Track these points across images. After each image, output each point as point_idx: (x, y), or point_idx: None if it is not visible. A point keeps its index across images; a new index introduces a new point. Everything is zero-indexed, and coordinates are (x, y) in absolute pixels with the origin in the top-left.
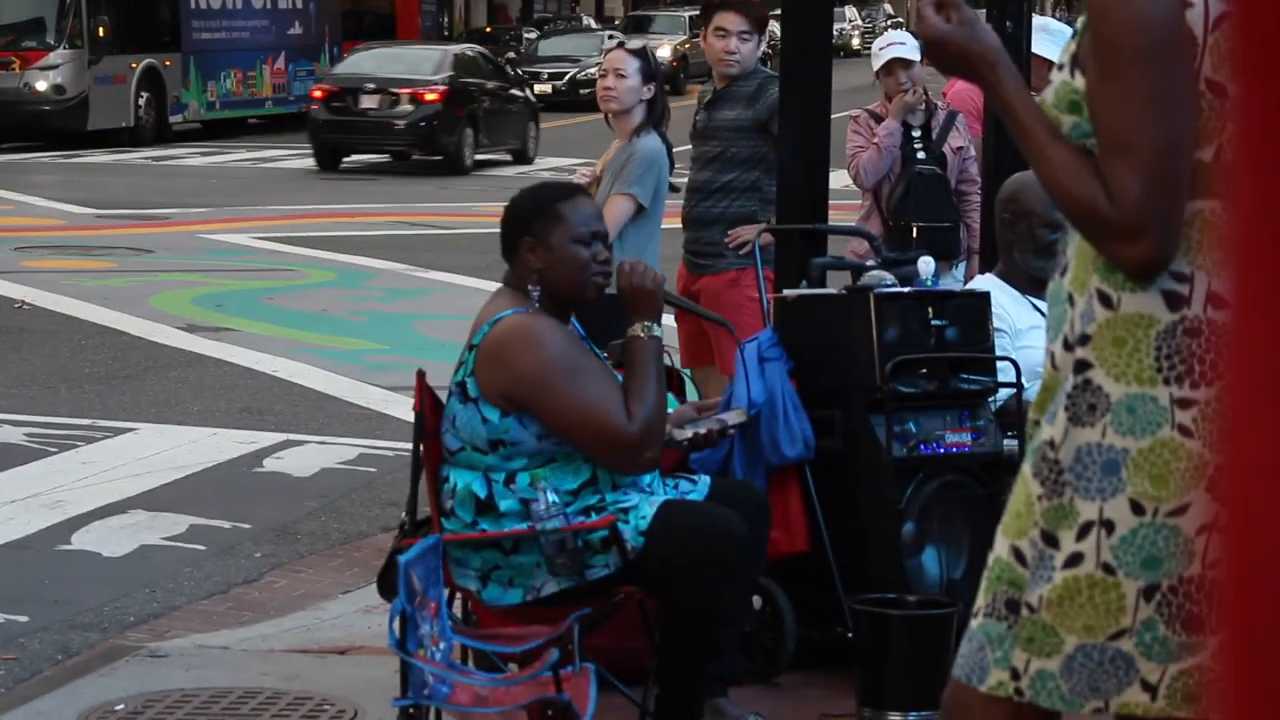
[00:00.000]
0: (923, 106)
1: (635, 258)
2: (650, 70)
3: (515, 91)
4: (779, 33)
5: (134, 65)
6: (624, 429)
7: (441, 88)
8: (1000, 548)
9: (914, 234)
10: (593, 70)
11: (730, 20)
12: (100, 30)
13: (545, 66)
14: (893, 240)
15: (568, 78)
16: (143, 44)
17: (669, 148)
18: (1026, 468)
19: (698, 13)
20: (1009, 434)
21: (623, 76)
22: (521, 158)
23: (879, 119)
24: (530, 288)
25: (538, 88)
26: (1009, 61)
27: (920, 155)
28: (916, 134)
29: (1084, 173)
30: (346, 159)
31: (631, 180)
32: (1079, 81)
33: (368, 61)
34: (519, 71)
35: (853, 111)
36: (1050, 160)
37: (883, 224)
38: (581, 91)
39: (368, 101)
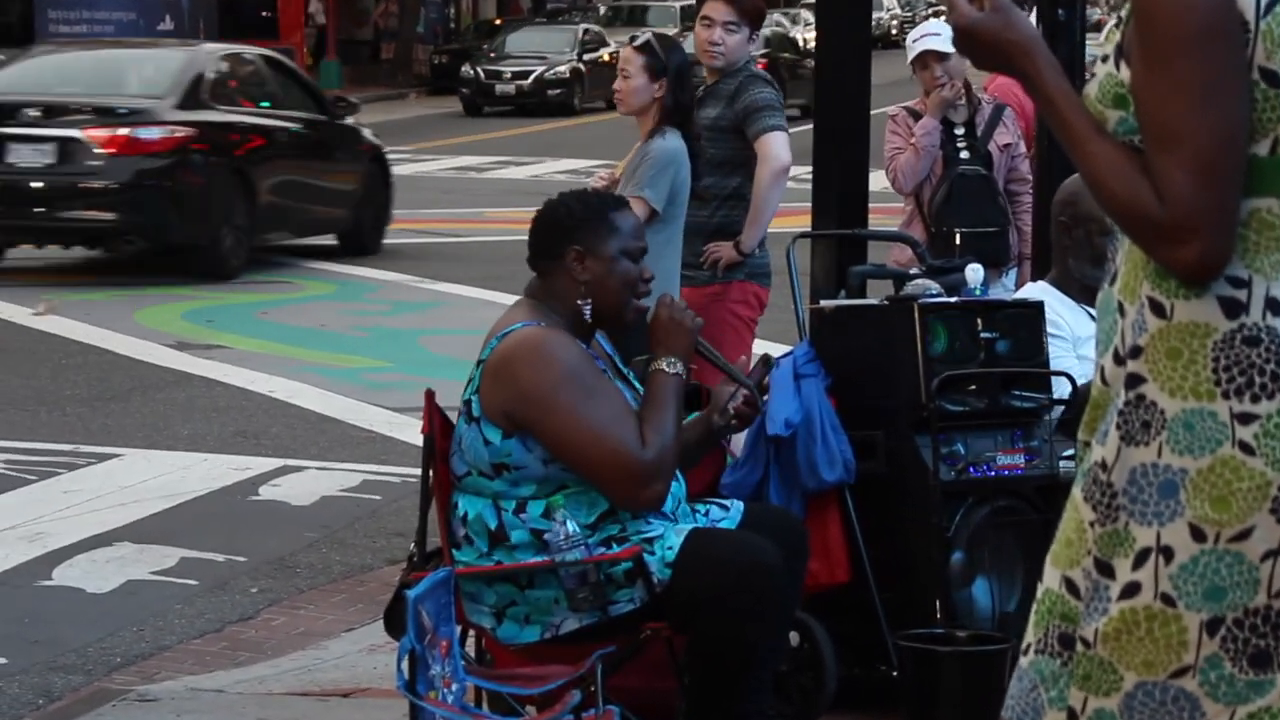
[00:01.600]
0: (963, 101)
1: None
2: (660, 66)
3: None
4: (802, 35)
5: None
6: (636, 455)
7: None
8: (1050, 579)
9: (957, 240)
10: (563, 69)
11: (717, 9)
12: None
13: (512, 65)
14: (936, 247)
15: (533, 78)
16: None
17: (694, 148)
18: (1077, 491)
19: (692, 2)
20: (1065, 455)
21: (628, 77)
22: (356, 244)
23: (918, 117)
24: (580, 303)
25: (499, 89)
26: (1047, 51)
27: (964, 155)
28: (959, 131)
29: (1130, 170)
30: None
31: (644, 182)
32: (1124, 73)
33: (34, 72)
34: (479, 71)
35: (890, 109)
36: (1093, 157)
37: (925, 230)
38: (550, 93)
39: (16, 154)
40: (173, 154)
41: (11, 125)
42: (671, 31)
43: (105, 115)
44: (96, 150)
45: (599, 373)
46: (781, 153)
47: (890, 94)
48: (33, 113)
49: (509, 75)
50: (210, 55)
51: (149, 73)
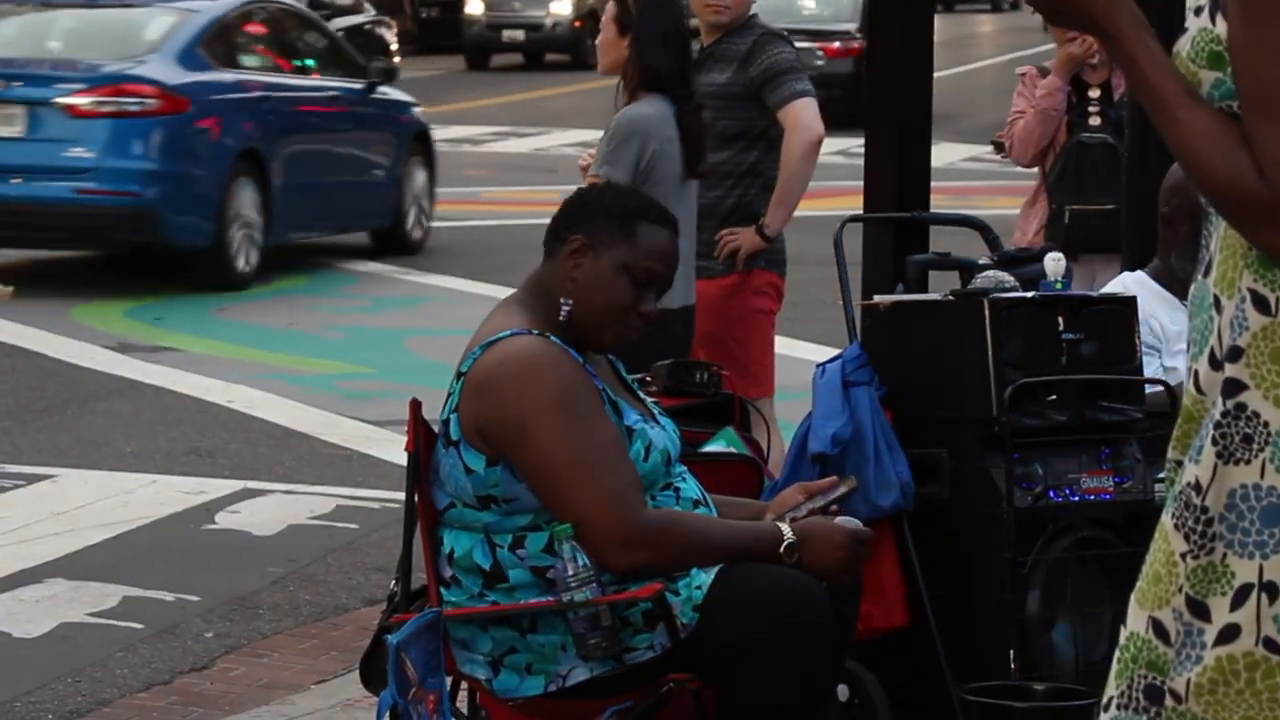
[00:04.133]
0: (1096, 60)
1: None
2: (627, 18)
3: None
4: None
5: None
6: (610, 514)
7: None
8: (1136, 621)
9: (1066, 219)
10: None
11: None
12: None
13: (520, 14)
14: (1052, 229)
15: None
16: None
17: (690, 119)
18: (1167, 518)
19: None
20: (1161, 476)
21: (600, 29)
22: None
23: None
24: (562, 301)
25: (506, 34)
26: (1132, 4)
27: (1093, 121)
28: (1094, 94)
29: (1227, 141)
30: None
31: (601, 158)
32: (1220, 28)
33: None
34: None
35: (1020, 68)
36: (1183, 125)
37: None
38: (548, 57)
39: None
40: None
41: None
42: None
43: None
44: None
45: (595, 400)
46: (813, 122)
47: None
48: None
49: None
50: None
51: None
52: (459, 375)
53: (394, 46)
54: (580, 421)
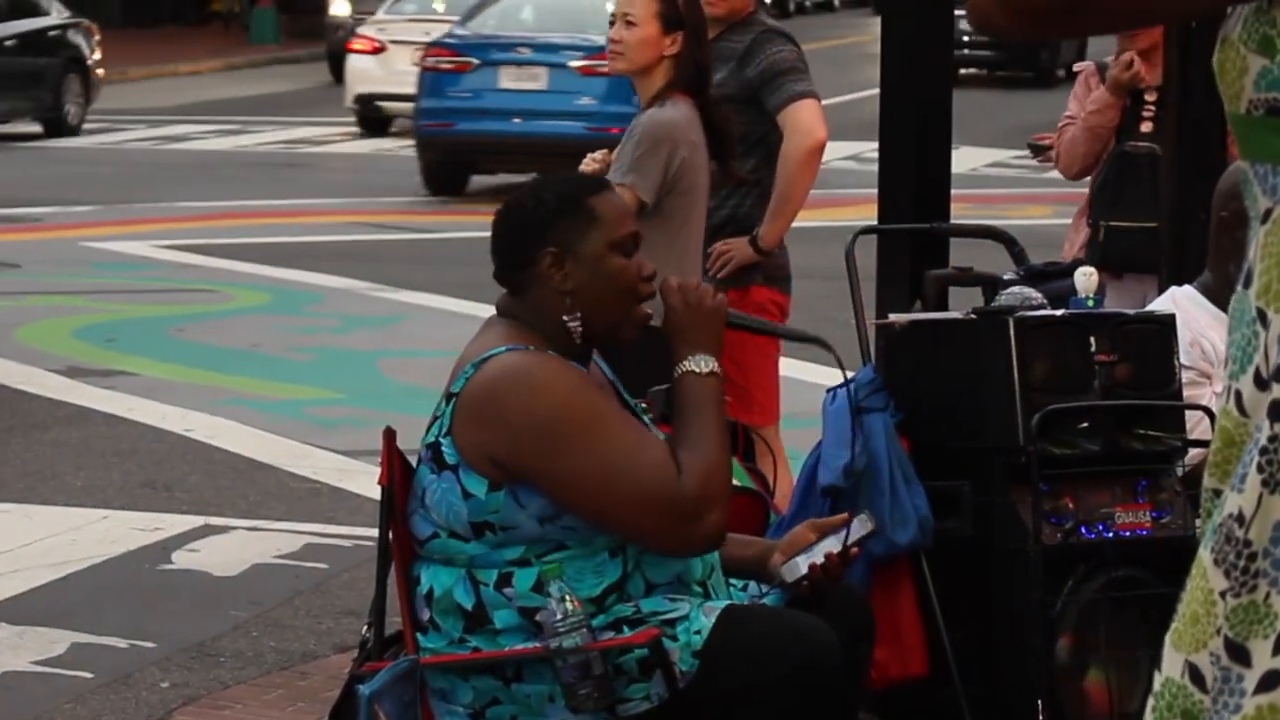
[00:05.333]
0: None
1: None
2: (675, 15)
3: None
4: None
5: None
6: (673, 487)
7: None
8: (1171, 666)
9: (1100, 235)
10: None
11: None
12: None
13: None
14: (1091, 246)
15: None
16: None
17: (721, 118)
18: (1205, 553)
19: None
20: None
21: (632, 24)
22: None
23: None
24: (567, 319)
25: None
26: None
27: (1145, 127)
28: (1149, 97)
29: None
30: None
31: (626, 165)
32: (1278, 11)
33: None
34: None
35: (1079, 64)
36: None
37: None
38: None
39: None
40: None
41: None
42: None
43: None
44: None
45: (606, 396)
46: (814, 126)
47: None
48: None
49: None
50: None
51: None
52: (449, 397)
53: (95, 57)
54: (598, 418)
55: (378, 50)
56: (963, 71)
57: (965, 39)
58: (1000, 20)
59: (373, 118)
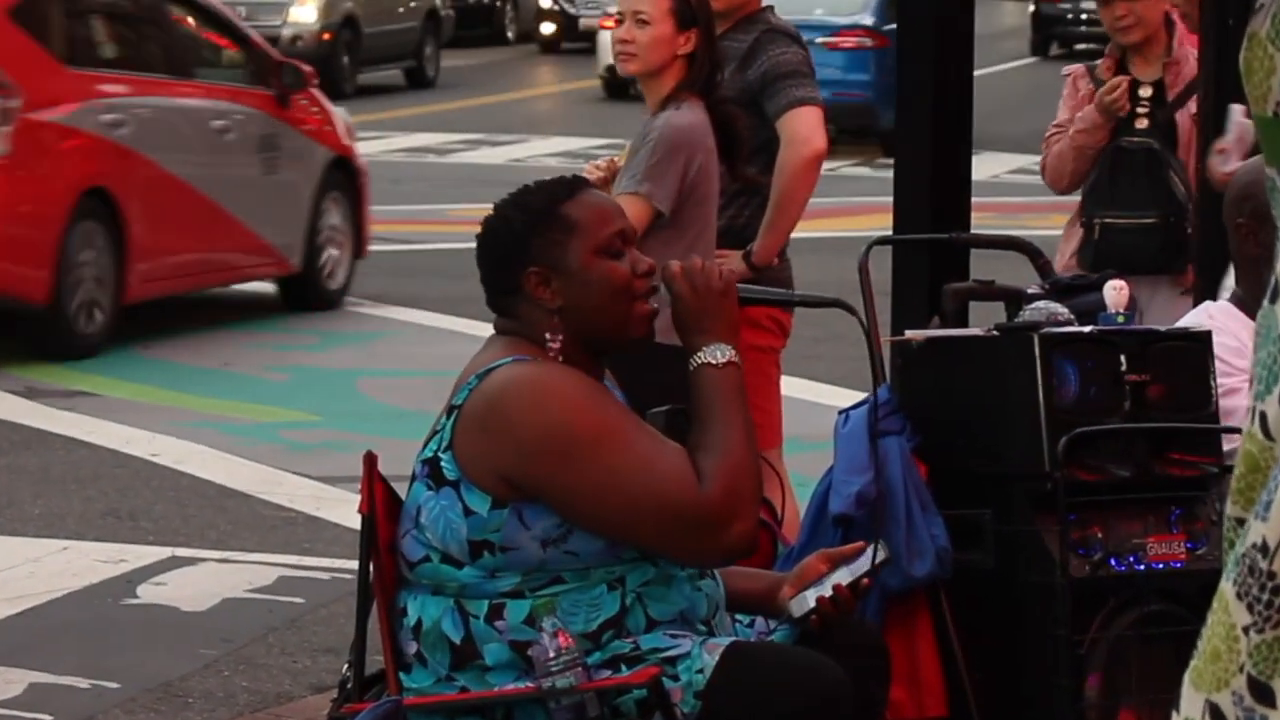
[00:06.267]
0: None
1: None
2: (688, 12)
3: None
4: None
5: None
6: (694, 494)
7: None
8: (1191, 706)
9: (1095, 234)
10: None
11: None
12: None
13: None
14: (1083, 247)
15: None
16: None
17: (731, 117)
18: (1227, 585)
19: None
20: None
21: (645, 23)
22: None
23: (1100, 84)
24: (548, 337)
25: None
26: None
27: (1140, 124)
28: (1145, 93)
29: None
30: None
31: (640, 173)
32: None
33: None
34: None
35: (1068, 68)
36: None
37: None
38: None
39: None
40: None
41: None
42: None
43: None
44: None
45: (620, 404)
46: (813, 134)
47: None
48: None
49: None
50: None
51: None
52: (450, 410)
53: None
54: (613, 425)
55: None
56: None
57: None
58: None
59: (616, 83)
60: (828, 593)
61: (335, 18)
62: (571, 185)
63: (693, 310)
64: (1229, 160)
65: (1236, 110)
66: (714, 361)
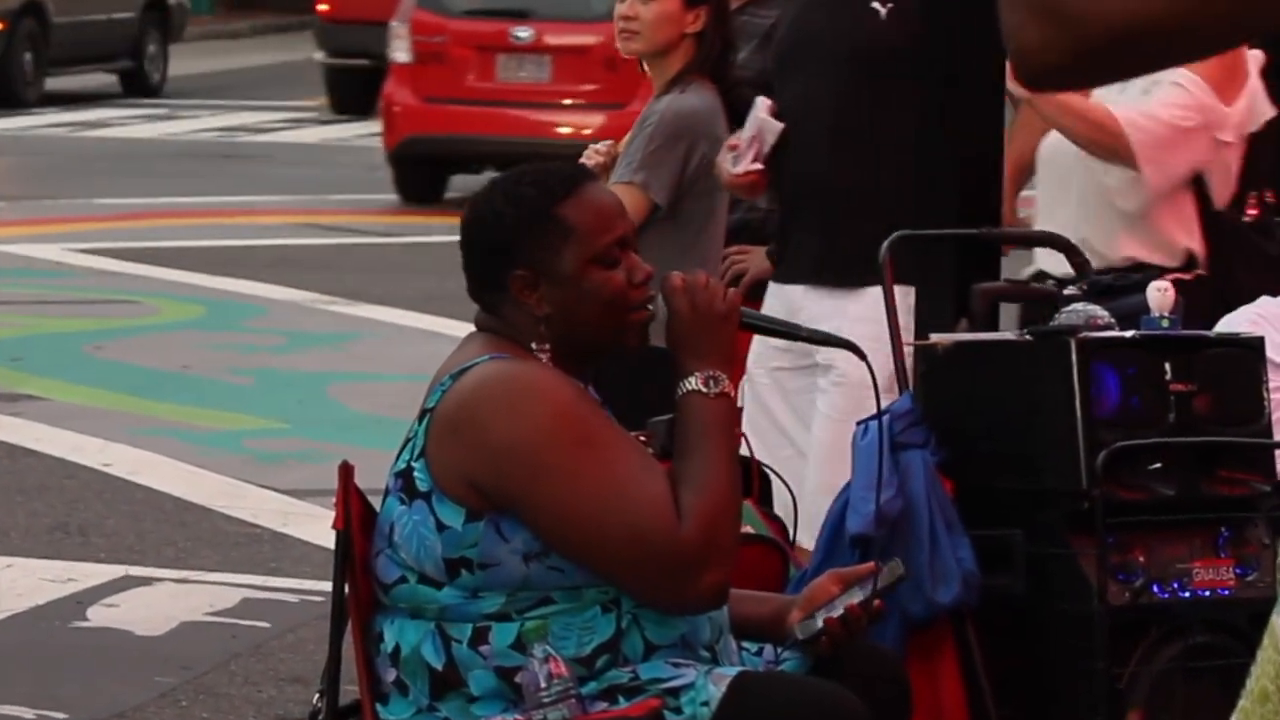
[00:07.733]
0: None
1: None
2: None
3: None
4: None
5: None
6: (670, 531)
7: None
8: None
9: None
10: None
11: None
12: None
13: None
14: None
15: None
16: None
17: (743, 108)
18: (1277, 620)
19: None
20: None
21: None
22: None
23: None
24: (534, 347)
25: None
26: None
27: None
28: None
29: None
30: None
31: (637, 161)
32: None
33: None
34: None
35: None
36: None
37: None
38: None
39: None
40: None
41: None
42: None
43: None
44: None
45: (604, 415)
46: None
47: None
48: None
49: None
50: None
51: None
52: (424, 413)
53: None
54: (593, 441)
55: None
56: None
57: None
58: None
59: None
60: (838, 614)
61: (11, 3)
62: (571, 179)
63: (690, 330)
64: (741, 160)
65: (760, 105)
66: (705, 390)
